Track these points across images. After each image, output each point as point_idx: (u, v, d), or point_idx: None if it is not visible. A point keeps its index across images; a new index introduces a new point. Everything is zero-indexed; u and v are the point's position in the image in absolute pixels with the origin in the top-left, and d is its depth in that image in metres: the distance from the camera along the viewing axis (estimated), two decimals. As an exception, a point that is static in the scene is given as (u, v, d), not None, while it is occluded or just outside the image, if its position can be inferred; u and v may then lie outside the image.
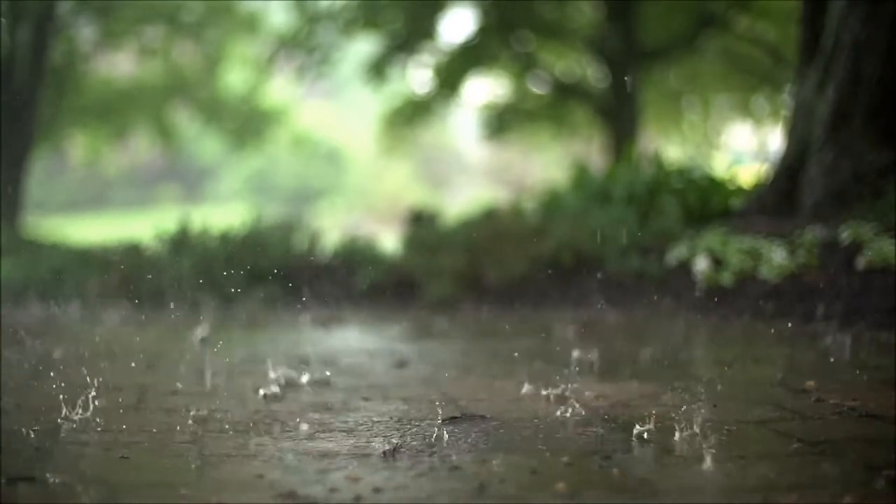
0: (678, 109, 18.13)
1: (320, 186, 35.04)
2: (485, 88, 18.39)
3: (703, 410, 2.30)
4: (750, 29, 15.34)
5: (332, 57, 16.26)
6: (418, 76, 17.34)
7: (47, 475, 1.64)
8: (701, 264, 5.08)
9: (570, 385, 2.74)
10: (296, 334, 4.62)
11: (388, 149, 18.60)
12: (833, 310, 4.26)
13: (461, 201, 21.77)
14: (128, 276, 6.23)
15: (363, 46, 16.73)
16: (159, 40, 16.89)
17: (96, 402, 2.47)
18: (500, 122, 17.39)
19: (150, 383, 2.79)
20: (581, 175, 7.26)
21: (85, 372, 3.02)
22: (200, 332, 4.05)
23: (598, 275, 5.68)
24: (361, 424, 2.17)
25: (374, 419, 2.23)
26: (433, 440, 1.97)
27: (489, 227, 6.33)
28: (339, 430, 2.11)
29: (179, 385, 2.76)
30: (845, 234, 4.69)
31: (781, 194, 5.85)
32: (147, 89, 17.19)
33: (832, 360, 3.31)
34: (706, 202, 6.37)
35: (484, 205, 7.88)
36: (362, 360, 3.51)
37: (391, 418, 2.24)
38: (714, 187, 6.62)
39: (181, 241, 6.82)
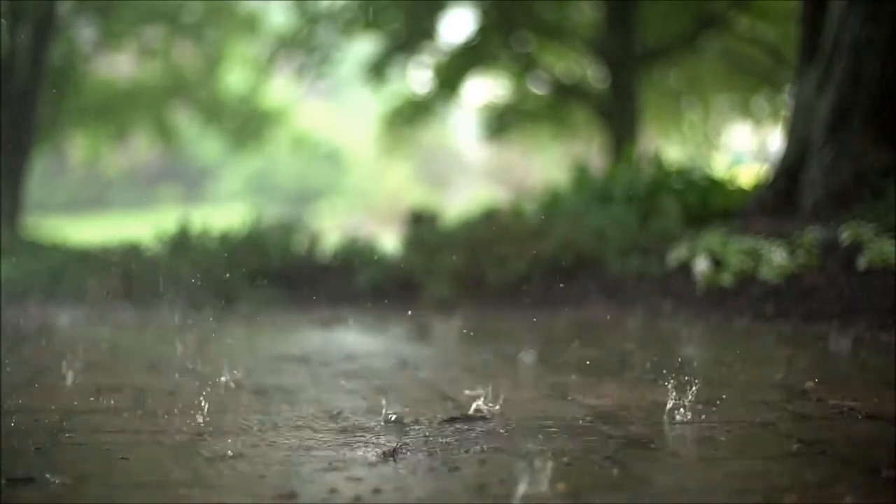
0: (678, 110, 18.13)
1: (320, 187, 35.06)
2: (485, 89, 18.41)
3: (702, 411, 2.30)
4: (750, 29, 15.35)
5: (332, 57, 16.27)
6: (418, 76, 17.37)
7: (48, 476, 1.64)
8: (701, 265, 5.08)
9: (569, 385, 2.74)
10: (296, 335, 4.62)
11: (388, 149, 18.61)
12: (833, 310, 4.26)
13: (461, 202, 21.78)
14: (128, 276, 6.24)
15: (363, 46, 16.74)
16: (159, 41, 16.91)
17: (96, 403, 2.47)
18: (501, 122, 17.40)
19: (149, 384, 2.79)
20: (581, 175, 7.26)
21: (84, 373, 3.02)
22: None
23: (598, 275, 5.68)
24: (362, 424, 2.17)
25: (374, 419, 2.23)
26: (433, 441, 1.97)
27: (489, 227, 6.33)
28: (339, 430, 2.11)
29: (179, 386, 2.76)
30: (845, 235, 4.69)
31: (781, 195, 5.85)
32: (147, 90, 17.21)
33: (832, 360, 3.31)
34: (706, 203, 6.37)
35: (484, 205, 7.88)
36: (362, 360, 3.51)
37: (391, 418, 2.24)
38: (714, 188, 6.62)
39: (181, 242, 6.82)
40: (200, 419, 2.21)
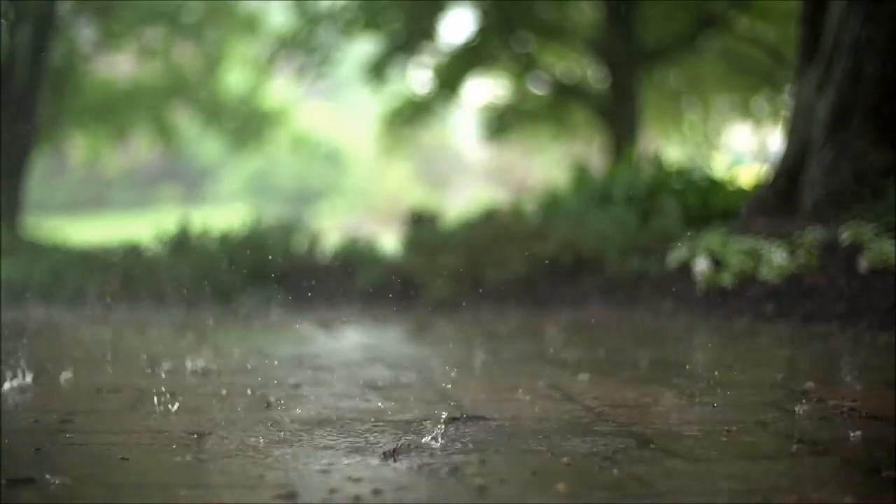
0: (678, 110, 18.13)
1: (320, 187, 35.06)
2: (485, 89, 18.41)
3: (702, 411, 2.30)
4: (750, 29, 15.34)
5: (332, 57, 16.26)
6: (418, 77, 17.36)
7: (48, 476, 1.64)
8: (701, 265, 5.08)
9: (569, 385, 2.74)
10: (296, 335, 4.62)
11: (388, 149, 18.61)
12: (833, 310, 4.26)
13: (461, 202, 21.78)
14: (128, 277, 6.24)
15: (363, 47, 16.73)
16: (159, 41, 16.90)
17: (96, 403, 2.47)
18: (501, 122, 17.40)
19: (149, 384, 2.79)
20: (581, 176, 7.26)
21: (84, 373, 3.02)
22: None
23: (599, 276, 5.68)
24: (361, 425, 2.17)
25: (374, 419, 2.23)
26: (433, 441, 1.97)
27: (489, 227, 6.33)
28: (338, 430, 2.11)
29: (179, 386, 2.76)
30: (845, 235, 4.69)
31: (781, 195, 5.84)
32: (147, 90, 17.20)
33: (832, 360, 3.31)
34: (706, 203, 6.37)
35: (484, 206, 7.88)
36: (362, 360, 3.51)
37: (391, 418, 2.24)
38: (714, 188, 6.62)
39: (181, 243, 6.82)
40: (200, 419, 2.21)
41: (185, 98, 17.93)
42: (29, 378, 2.85)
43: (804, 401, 2.39)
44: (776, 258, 4.80)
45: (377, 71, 15.79)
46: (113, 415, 2.31)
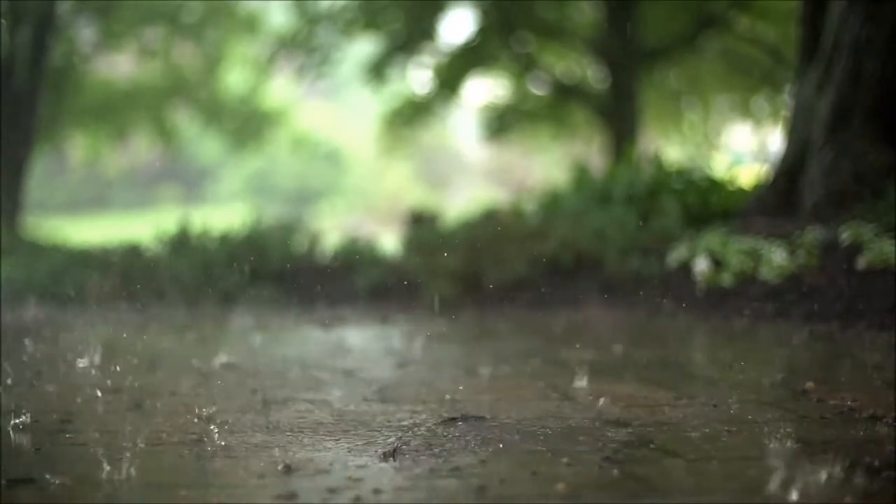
0: (678, 110, 18.12)
1: (320, 187, 35.05)
2: (485, 89, 18.40)
3: (702, 411, 2.30)
4: (750, 29, 15.34)
5: (332, 57, 16.26)
6: (418, 77, 17.35)
7: (48, 476, 1.64)
8: (701, 265, 5.08)
9: (569, 385, 2.74)
10: (296, 335, 4.62)
11: (388, 149, 18.61)
12: (833, 310, 4.26)
13: (461, 202, 21.78)
14: (128, 277, 6.23)
15: (363, 47, 16.73)
16: (159, 41, 16.89)
17: (96, 403, 2.47)
18: (501, 122, 17.39)
19: (149, 384, 2.80)
20: (581, 176, 7.26)
21: (84, 373, 3.02)
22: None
23: (598, 276, 5.68)
24: (361, 425, 2.17)
25: (374, 420, 2.23)
26: (433, 441, 1.97)
27: (489, 227, 6.33)
28: (338, 430, 2.11)
29: (179, 386, 2.76)
30: (845, 235, 4.69)
31: (781, 195, 5.84)
32: (147, 90, 17.19)
33: (832, 360, 3.32)
34: (706, 203, 6.37)
35: (484, 205, 7.88)
36: (362, 360, 3.51)
37: (391, 419, 2.24)
38: (714, 188, 6.62)
39: (181, 242, 6.82)
40: (200, 419, 2.21)
41: (185, 98, 17.93)
42: (29, 378, 2.85)
43: (804, 401, 2.40)
44: (776, 258, 4.80)
45: (377, 71, 15.78)
46: (113, 415, 2.31)
